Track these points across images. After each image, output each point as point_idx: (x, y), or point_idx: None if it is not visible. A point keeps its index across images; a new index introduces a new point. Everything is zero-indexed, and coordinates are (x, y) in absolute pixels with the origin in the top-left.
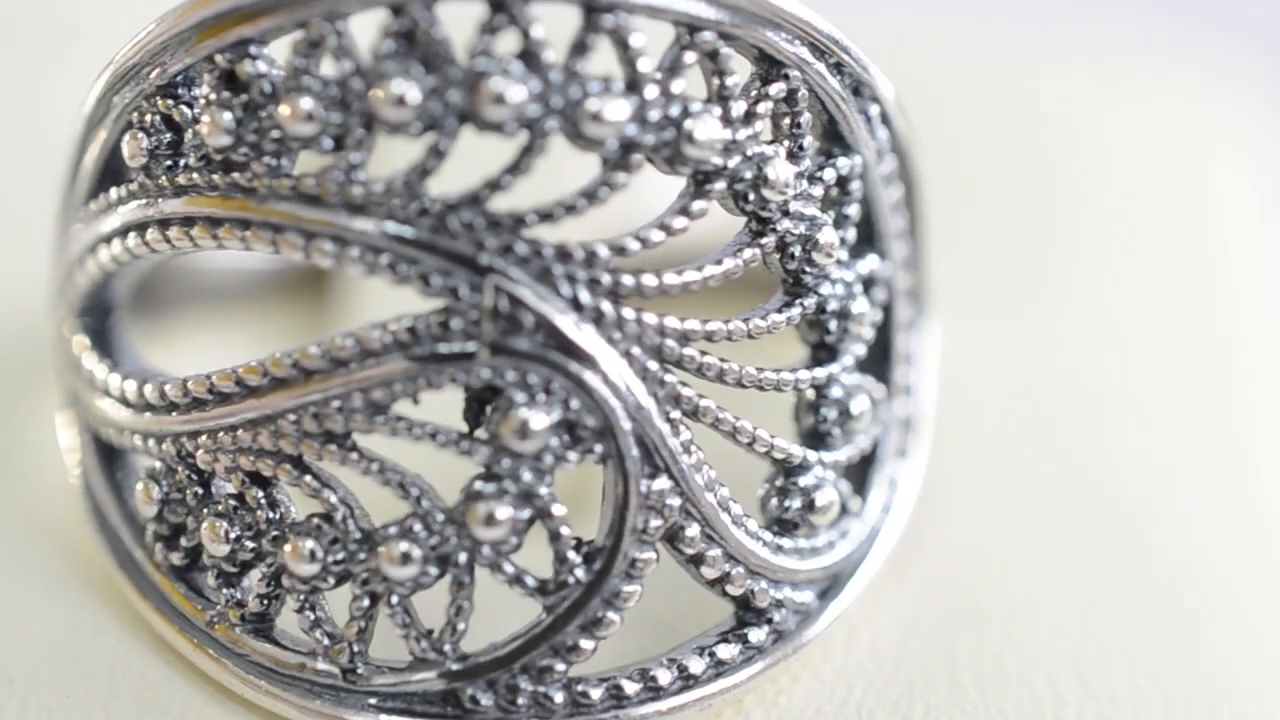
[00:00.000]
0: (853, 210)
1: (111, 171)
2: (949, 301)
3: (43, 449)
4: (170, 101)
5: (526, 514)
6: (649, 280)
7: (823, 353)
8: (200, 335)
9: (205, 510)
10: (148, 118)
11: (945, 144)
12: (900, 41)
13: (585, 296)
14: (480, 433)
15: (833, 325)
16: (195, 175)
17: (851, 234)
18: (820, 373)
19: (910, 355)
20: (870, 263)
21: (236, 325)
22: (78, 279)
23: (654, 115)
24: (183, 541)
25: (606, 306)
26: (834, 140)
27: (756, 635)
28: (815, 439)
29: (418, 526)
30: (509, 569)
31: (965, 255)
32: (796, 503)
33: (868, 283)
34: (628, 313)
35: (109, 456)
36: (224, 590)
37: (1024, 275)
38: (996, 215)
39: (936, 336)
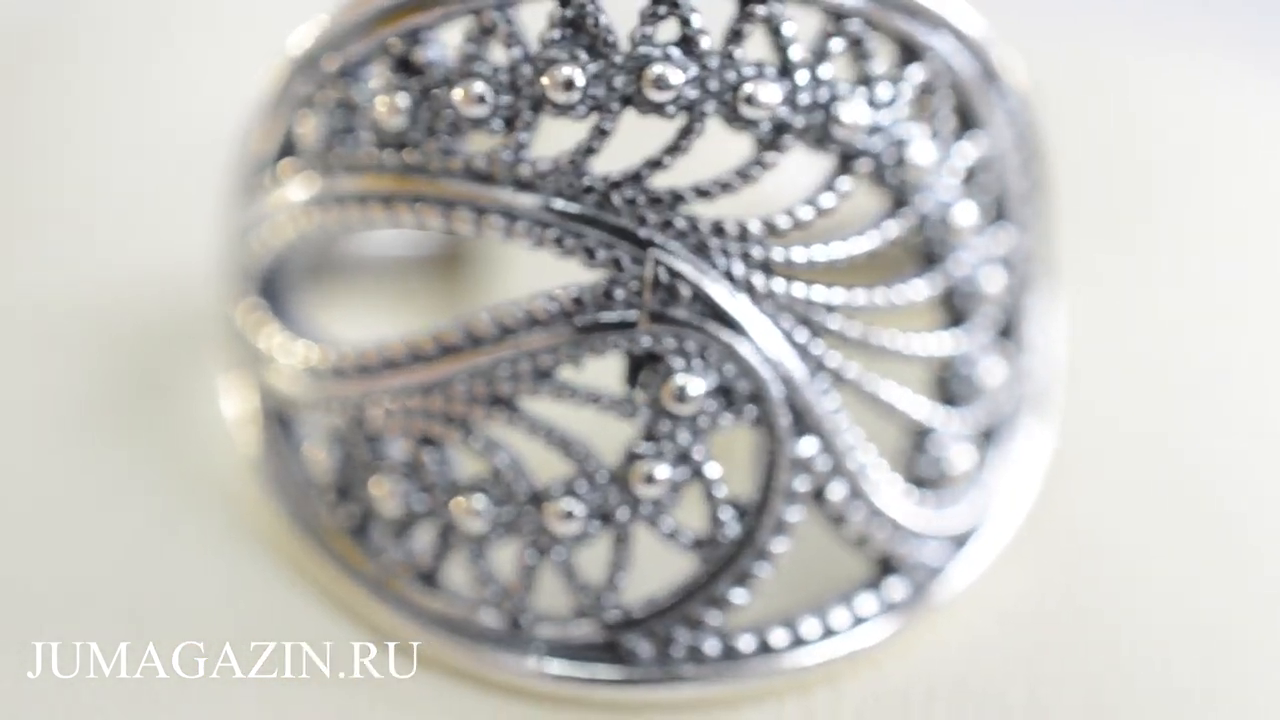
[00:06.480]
0: (987, 188)
1: (286, 152)
2: (1074, 276)
3: (211, 420)
4: (346, 84)
5: (684, 473)
6: (798, 254)
7: (956, 325)
8: (357, 310)
9: (379, 470)
10: (325, 100)
11: (1065, 126)
12: (1028, 25)
13: (739, 269)
14: (638, 396)
15: (966, 298)
16: (369, 155)
17: (985, 211)
18: (955, 342)
19: (1039, 328)
20: (1003, 239)
21: (386, 302)
22: (255, 253)
23: (804, 99)
24: (356, 500)
25: (758, 279)
26: (969, 121)
27: (895, 591)
28: (951, 404)
29: (582, 485)
30: (667, 525)
31: (1090, 231)
32: (934, 463)
33: (1000, 258)
34: (778, 284)
35: (282, 422)
36: (396, 546)
37: (1151, 250)
38: (1117, 190)
39: (1063, 311)
